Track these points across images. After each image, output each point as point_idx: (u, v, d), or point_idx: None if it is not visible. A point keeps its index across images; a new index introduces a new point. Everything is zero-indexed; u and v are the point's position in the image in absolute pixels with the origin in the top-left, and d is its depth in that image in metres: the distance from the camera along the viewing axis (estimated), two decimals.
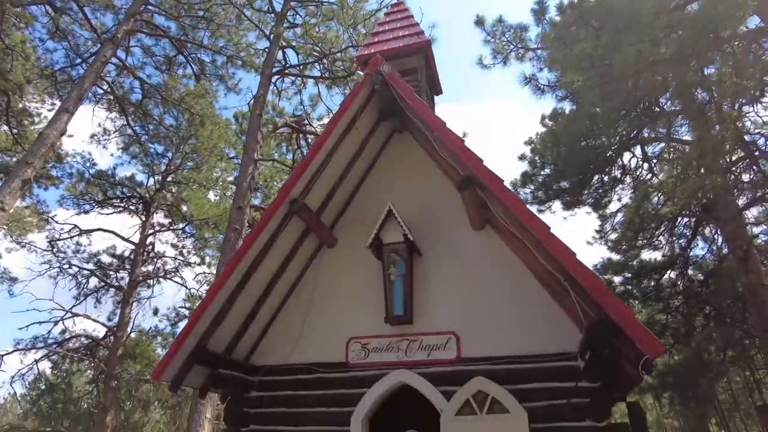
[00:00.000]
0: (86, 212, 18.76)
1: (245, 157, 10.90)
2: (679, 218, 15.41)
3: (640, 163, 17.27)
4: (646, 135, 16.33)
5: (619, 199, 20.73)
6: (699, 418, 15.82)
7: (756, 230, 15.71)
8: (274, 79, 14.52)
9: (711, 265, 16.74)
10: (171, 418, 19.78)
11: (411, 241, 5.52)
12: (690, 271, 16.54)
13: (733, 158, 14.71)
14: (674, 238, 16.71)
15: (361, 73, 6.31)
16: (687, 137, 14.84)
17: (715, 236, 16.00)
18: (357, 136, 6.16)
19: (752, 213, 16.08)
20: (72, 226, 18.21)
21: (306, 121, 15.38)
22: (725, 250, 15.68)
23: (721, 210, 13.67)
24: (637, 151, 17.37)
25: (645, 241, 15.59)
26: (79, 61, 16.11)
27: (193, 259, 19.84)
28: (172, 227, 19.42)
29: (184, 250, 20.06)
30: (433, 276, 5.70)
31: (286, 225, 5.56)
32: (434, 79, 7.61)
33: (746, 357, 16.26)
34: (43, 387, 20.84)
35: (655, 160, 17.05)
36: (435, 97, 7.81)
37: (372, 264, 5.90)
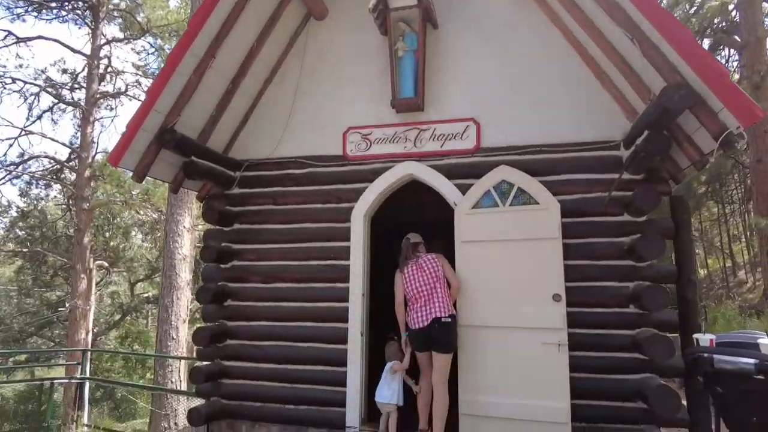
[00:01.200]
0: (20, 17, 16.00)
1: None
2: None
3: None
4: None
5: None
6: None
7: None
8: None
9: None
10: (153, 243, 19.85)
11: (426, 4, 4.32)
12: None
13: None
14: None
15: None
16: None
17: (727, 64, 14.97)
18: None
19: None
20: (6, 33, 15.65)
21: None
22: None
23: (745, 31, 12.43)
24: None
25: None
26: None
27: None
28: (128, 39, 16.97)
29: (147, 70, 17.95)
30: (451, 53, 4.62)
31: None
32: None
33: (724, 191, 16.57)
34: (15, 214, 20.42)
35: None
36: None
37: (373, 39, 4.77)
